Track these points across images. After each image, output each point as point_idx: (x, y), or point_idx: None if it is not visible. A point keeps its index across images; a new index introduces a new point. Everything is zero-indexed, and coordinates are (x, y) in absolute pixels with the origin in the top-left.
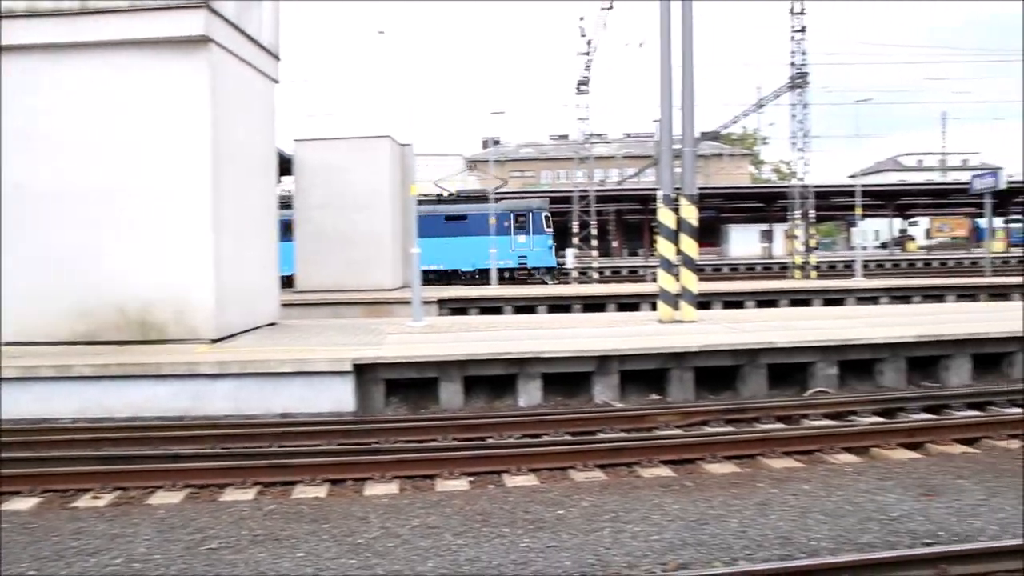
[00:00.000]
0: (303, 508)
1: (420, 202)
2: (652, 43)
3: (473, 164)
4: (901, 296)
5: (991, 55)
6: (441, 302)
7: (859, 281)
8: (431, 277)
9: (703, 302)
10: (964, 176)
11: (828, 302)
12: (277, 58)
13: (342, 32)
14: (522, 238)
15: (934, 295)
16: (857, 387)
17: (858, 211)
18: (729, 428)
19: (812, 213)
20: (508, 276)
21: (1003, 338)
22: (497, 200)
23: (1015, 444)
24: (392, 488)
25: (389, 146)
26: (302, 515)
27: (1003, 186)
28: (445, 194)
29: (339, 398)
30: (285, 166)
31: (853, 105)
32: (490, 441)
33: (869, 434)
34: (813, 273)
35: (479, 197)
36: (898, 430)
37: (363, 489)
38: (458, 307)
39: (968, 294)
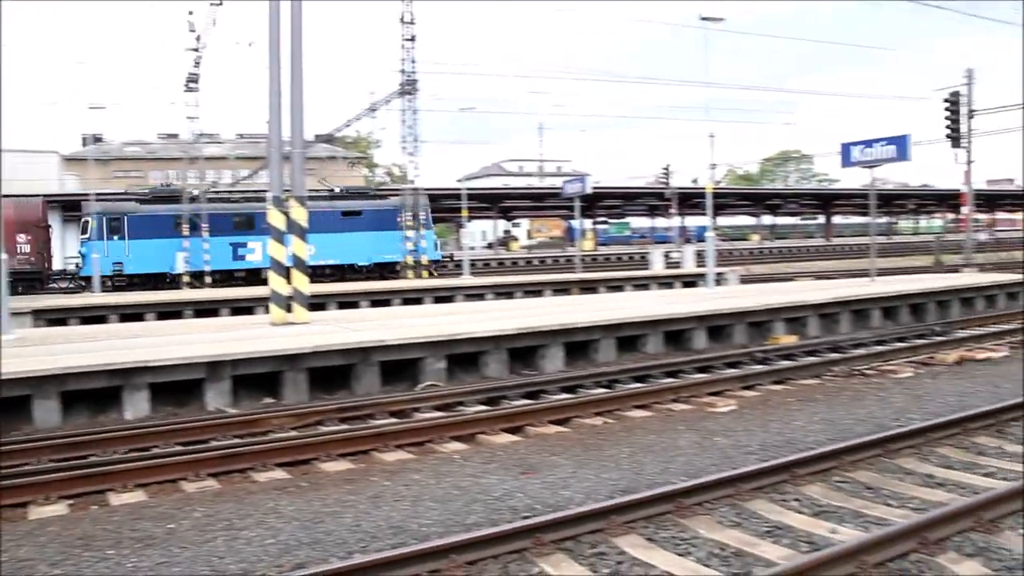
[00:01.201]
0: None
1: (314, 198)
2: (263, 43)
3: (71, 162)
4: (505, 292)
5: (584, 75)
6: (36, 312)
7: (467, 279)
8: (327, 272)
9: (318, 303)
10: (558, 181)
11: (439, 300)
12: None
13: None
14: (412, 232)
15: (533, 290)
16: (465, 379)
17: (464, 213)
18: (344, 426)
19: (423, 215)
20: (399, 270)
21: (589, 327)
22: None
23: (599, 421)
24: None
25: None
26: None
27: (589, 191)
28: (336, 190)
29: None
30: None
31: (459, 112)
32: (93, 459)
33: (475, 422)
34: (424, 273)
35: (364, 193)
36: (501, 416)
37: None
38: (56, 318)
39: (562, 288)
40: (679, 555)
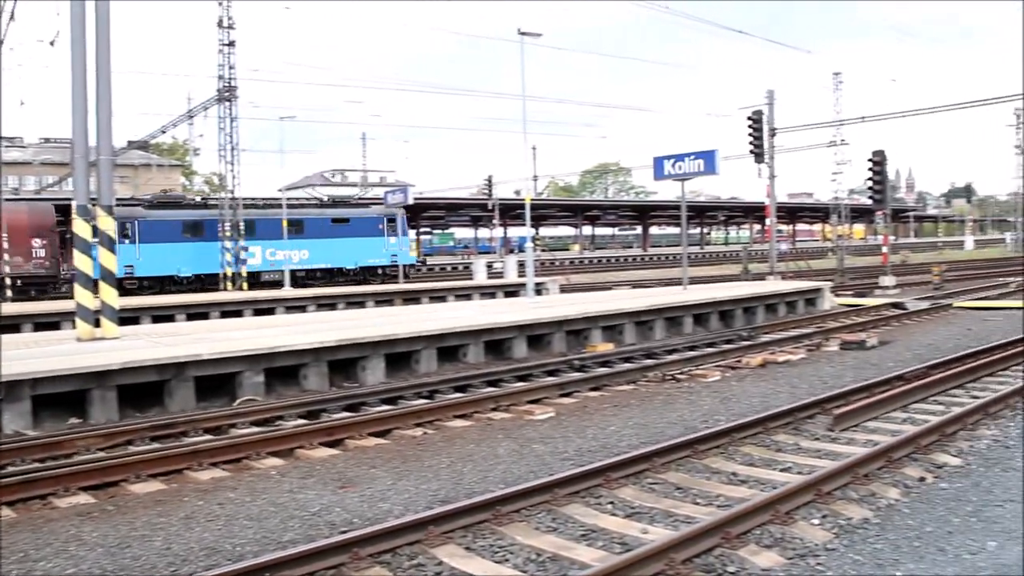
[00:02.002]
0: None
1: (306, 205)
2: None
3: None
4: (327, 304)
5: (404, 85)
6: None
7: (288, 291)
8: (318, 275)
9: (130, 317)
10: (382, 191)
11: (259, 312)
12: None
13: None
14: (393, 239)
15: (356, 301)
16: (284, 393)
17: (284, 223)
18: (155, 445)
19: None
20: (381, 273)
21: (410, 338)
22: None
23: (419, 432)
24: None
25: None
26: None
27: (411, 201)
28: (325, 199)
29: None
30: None
31: (279, 121)
32: None
33: (293, 436)
34: (244, 284)
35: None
36: (320, 430)
37: None
38: None
39: (385, 300)
40: (496, 562)
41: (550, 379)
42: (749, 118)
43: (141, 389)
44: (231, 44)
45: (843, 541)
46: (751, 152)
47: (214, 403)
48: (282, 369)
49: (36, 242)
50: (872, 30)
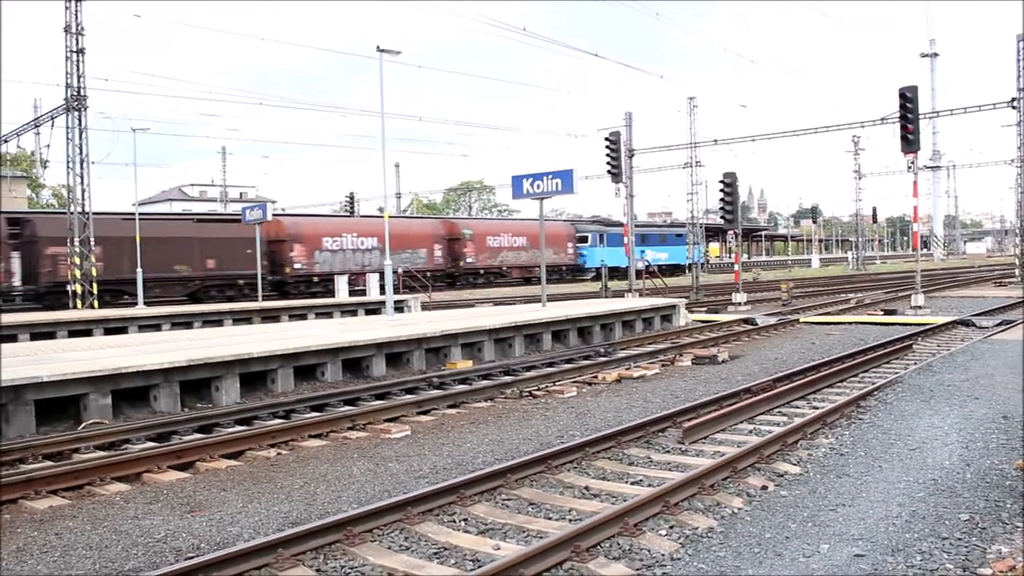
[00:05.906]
0: None
1: (659, 226)
2: None
3: None
4: (183, 322)
5: (260, 99)
6: None
7: (141, 309)
8: (663, 267)
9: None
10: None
11: (110, 331)
12: None
13: None
14: (682, 247)
15: (213, 320)
16: (133, 415)
17: (137, 239)
18: None
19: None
20: (675, 267)
21: (266, 357)
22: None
23: (273, 452)
24: None
25: None
26: None
27: (270, 218)
28: (658, 220)
29: None
30: None
31: (132, 133)
32: None
33: (140, 460)
34: (95, 302)
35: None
36: (168, 452)
37: None
38: None
39: (244, 318)
40: None
41: (408, 397)
42: (607, 139)
43: None
44: (81, 51)
45: (688, 551)
46: (608, 172)
47: (58, 427)
48: (130, 390)
49: (568, 245)
50: (722, 59)
